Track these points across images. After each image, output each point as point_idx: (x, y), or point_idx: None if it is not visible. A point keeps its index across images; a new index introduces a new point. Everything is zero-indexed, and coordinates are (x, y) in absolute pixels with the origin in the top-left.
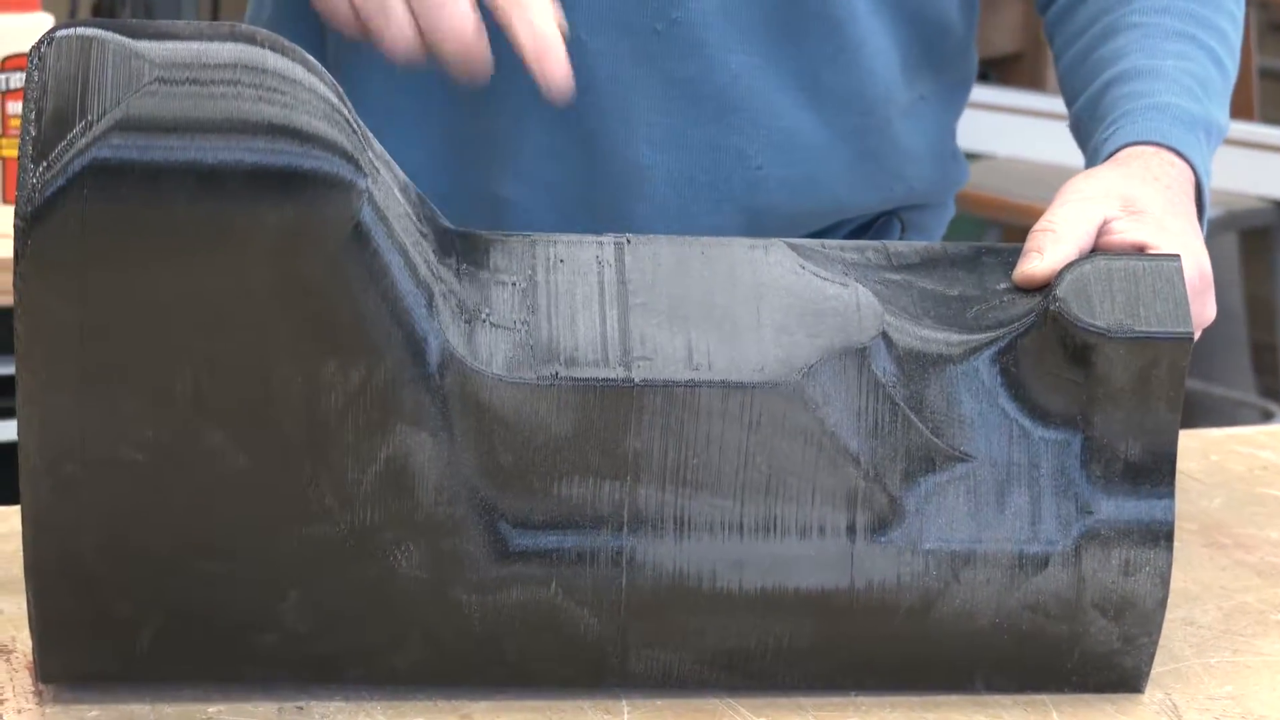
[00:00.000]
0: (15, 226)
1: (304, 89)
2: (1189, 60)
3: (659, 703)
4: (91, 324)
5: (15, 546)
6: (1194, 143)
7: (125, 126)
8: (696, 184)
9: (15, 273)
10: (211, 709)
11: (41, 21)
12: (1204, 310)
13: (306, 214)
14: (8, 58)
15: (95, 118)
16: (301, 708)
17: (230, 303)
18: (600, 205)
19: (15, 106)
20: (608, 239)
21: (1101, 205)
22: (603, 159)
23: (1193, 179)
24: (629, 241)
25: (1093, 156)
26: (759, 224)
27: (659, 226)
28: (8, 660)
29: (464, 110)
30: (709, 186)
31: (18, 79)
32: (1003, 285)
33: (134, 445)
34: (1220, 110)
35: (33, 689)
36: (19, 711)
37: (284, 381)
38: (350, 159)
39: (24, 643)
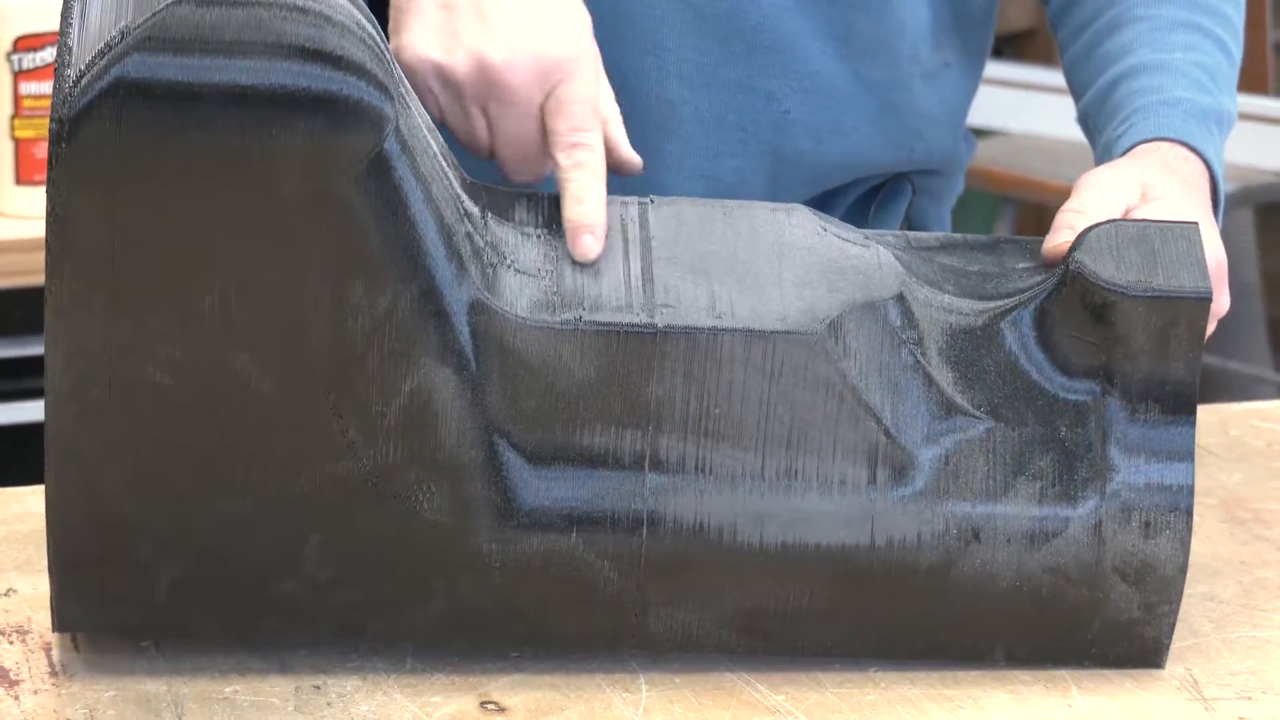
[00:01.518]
0: (50, 132)
1: (338, 12)
2: (1197, 51)
3: (677, 679)
4: (122, 236)
5: (30, 527)
6: (1206, 136)
7: (154, 43)
8: (725, 124)
9: (49, 181)
10: (229, 689)
11: (53, 2)
12: (1220, 299)
13: (335, 137)
14: (19, 38)
15: (128, 30)
16: (319, 686)
17: (260, 219)
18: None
19: (28, 87)
20: (632, 200)
21: (1124, 193)
22: (631, 93)
23: (1207, 173)
24: (652, 202)
25: (1105, 152)
26: (784, 171)
27: (686, 165)
28: (24, 641)
29: None
30: (737, 127)
31: (30, 59)
32: (1021, 264)
33: (161, 367)
34: (1229, 98)
35: (49, 670)
36: (35, 692)
37: (312, 302)
38: (381, 87)
39: (40, 624)
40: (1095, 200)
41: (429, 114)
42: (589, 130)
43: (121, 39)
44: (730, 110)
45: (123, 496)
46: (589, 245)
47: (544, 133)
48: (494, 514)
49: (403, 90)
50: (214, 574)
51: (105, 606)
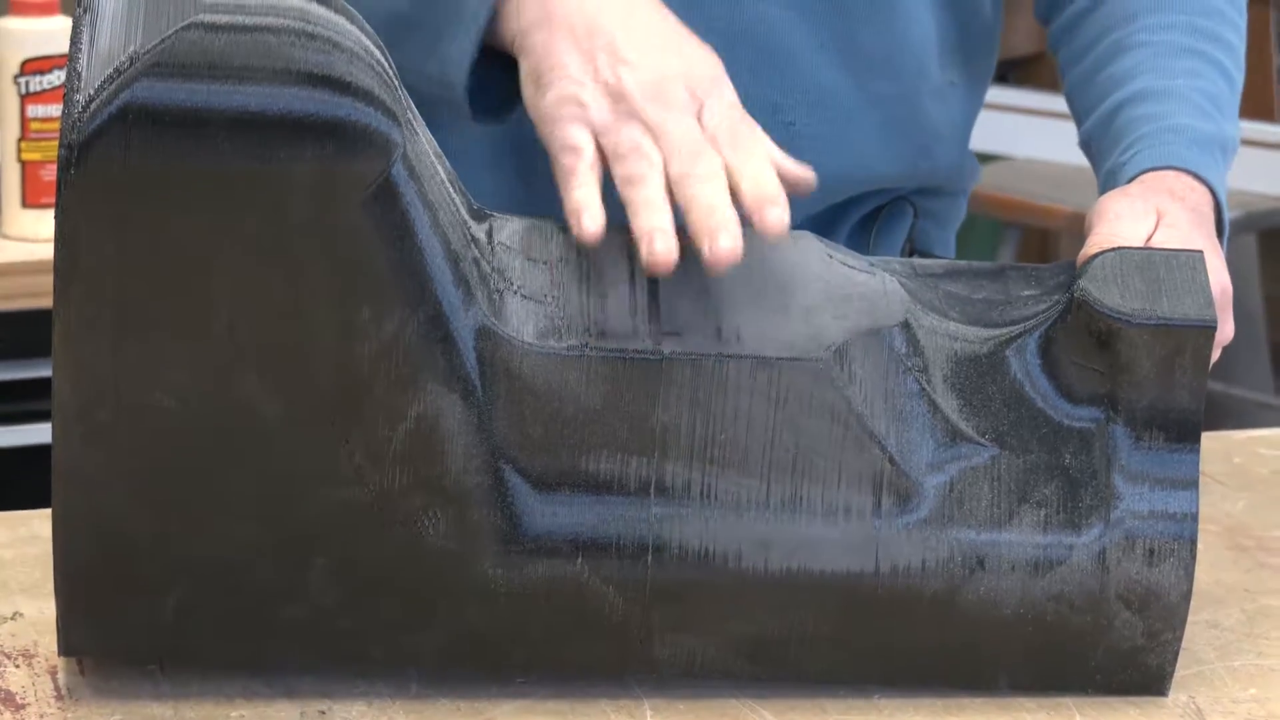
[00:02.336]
0: (59, 157)
1: (347, 39)
2: (1200, 78)
3: (681, 705)
4: (130, 260)
5: (37, 551)
6: (1211, 164)
7: (163, 68)
8: None
9: (57, 205)
10: (234, 714)
11: (60, 25)
12: (1224, 327)
13: (342, 162)
14: (27, 61)
15: (137, 55)
16: (324, 712)
17: (268, 242)
18: None
19: (35, 109)
20: None
21: (1145, 221)
22: None
23: (1212, 201)
24: None
25: (1109, 179)
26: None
27: None
28: (30, 665)
29: None
30: None
31: (38, 82)
32: (1027, 292)
33: (167, 391)
34: (1232, 124)
35: (55, 693)
36: (41, 716)
37: (318, 326)
38: (389, 113)
39: (47, 647)
40: (1127, 230)
41: (583, 160)
42: (753, 124)
43: (130, 64)
44: None
45: (129, 520)
46: (775, 217)
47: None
48: (499, 540)
49: (410, 117)
50: (220, 598)
51: (111, 630)
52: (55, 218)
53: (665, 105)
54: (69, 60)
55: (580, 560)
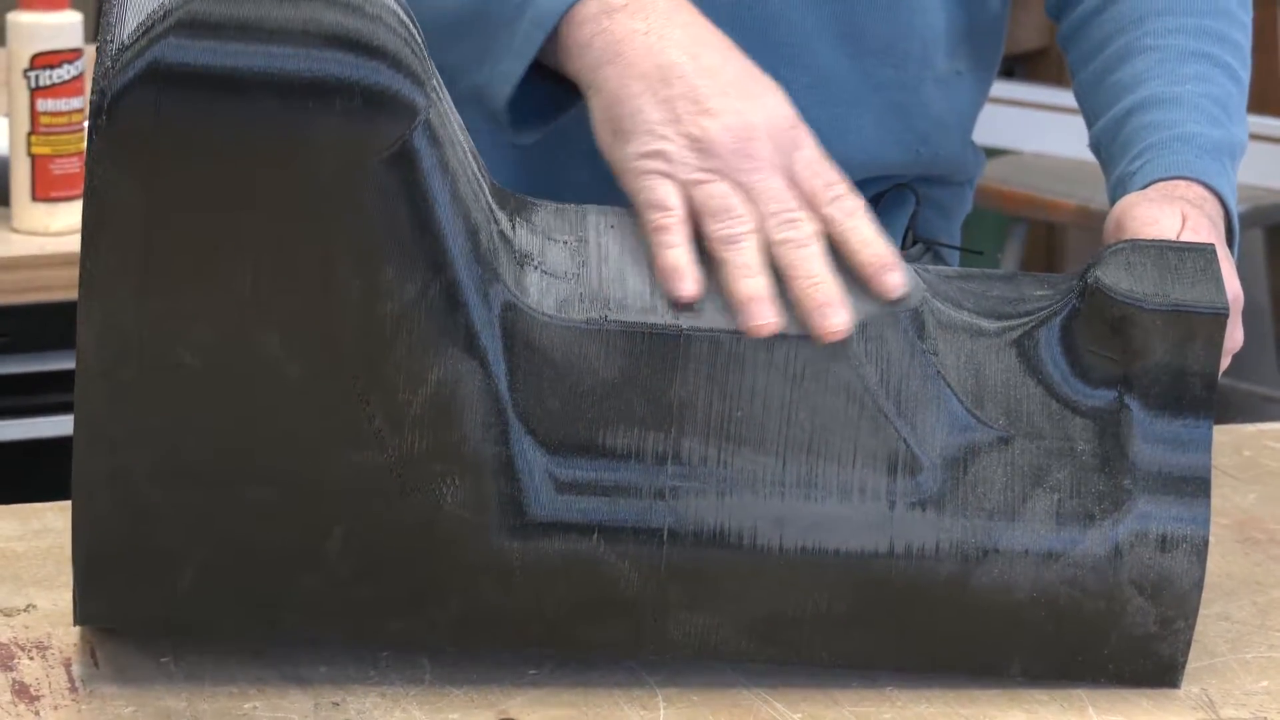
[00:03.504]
0: (91, 104)
1: (374, 3)
2: (1208, 82)
3: (695, 697)
4: (157, 212)
5: (49, 543)
6: (1221, 172)
7: (192, 27)
8: None
9: (88, 154)
10: (248, 705)
11: (70, 20)
12: (1234, 334)
13: (367, 123)
14: (36, 56)
15: (170, 9)
16: (338, 703)
17: (292, 199)
18: None
19: (45, 104)
20: None
21: (1172, 223)
22: None
23: (1222, 210)
24: None
25: (1119, 186)
26: None
27: None
28: (44, 657)
29: None
30: None
31: (48, 76)
32: (1039, 292)
33: (191, 348)
34: (1241, 127)
35: (69, 685)
36: (56, 708)
37: (342, 284)
38: (414, 77)
39: (60, 639)
40: (1161, 233)
41: (673, 218)
42: (842, 181)
43: (164, 17)
44: None
45: (150, 483)
46: (896, 281)
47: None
48: (515, 512)
49: (435, 84)
50: (237, 566)
51: (128, 599)
52: (85, 166)
53: (753, 161)
54: (104, 2)
55: (596, 535)
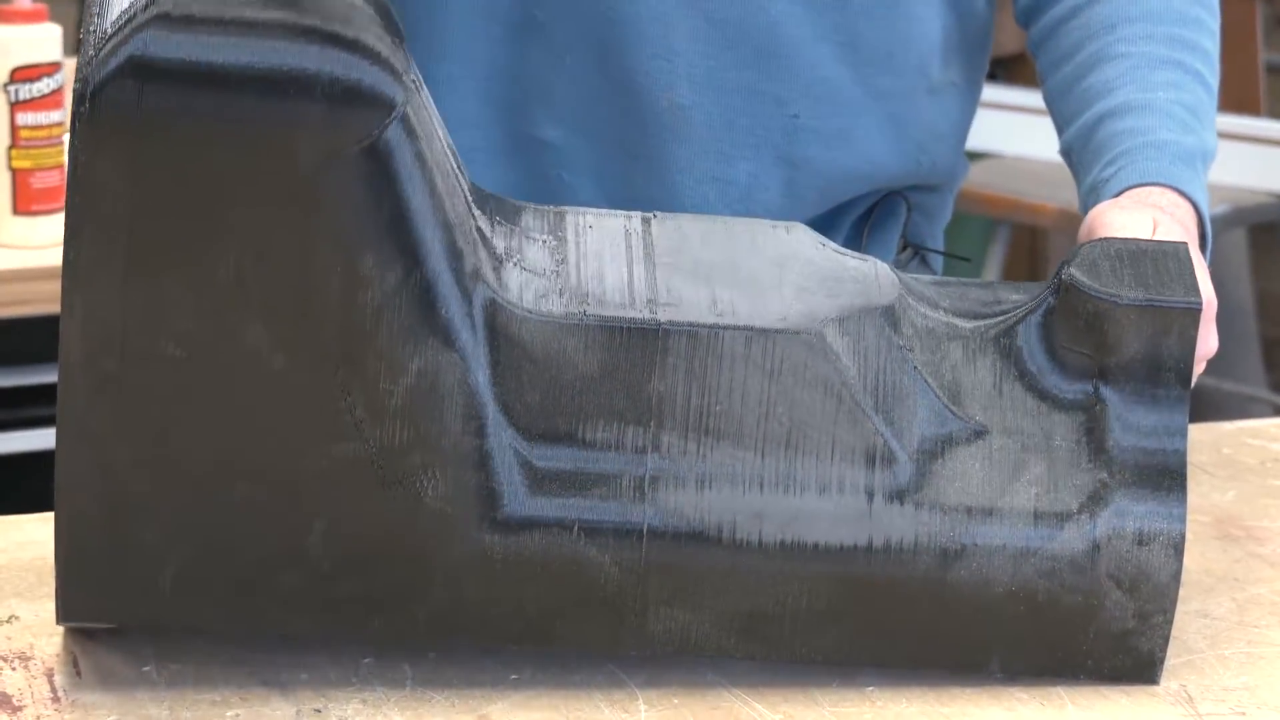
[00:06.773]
0: (74, 92)
1: None
2: (1179, 89)
3: (675, 699)
4: (140, 201)
5: (31, 555)
6: (1193, 178)
7: (171, 20)
8: (735, 128)
9: (71, 145)
10: (230, 712)
11: (50, 32)
12: (1207, 341)
13: (345, 115)
14: (16, 69)
15: (150, 2)
16: (319, 710)
17: (273, 190)
18: (639, 146)
19: (24, 117)
20: (635, 214)
21: (1144, 231)
22: (643, 97)
23: (1195, 214)
24: (655, 216)
25: (1092, 193)
26: (797, 177)
27: (699, 169)
28: (26, 667)
29: (507, 49)
30: (747, 131)
31: (27, 90)
32: (1015, 297)
33: (174, 339)
34: (1210, 133)
35: (51, 695)
36: (38, 718)
37: (324, 272)
38: (392, 71)
39: (43, 650)
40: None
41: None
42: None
43: (146, 7)
44: (740, 114)
45: (132, 477)
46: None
47: None
48: (496, 505)
49: (414, 79)
50: (220, 561)
51: (110, 596)
52: (69, 154)
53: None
54: None
55: (576, 529)
